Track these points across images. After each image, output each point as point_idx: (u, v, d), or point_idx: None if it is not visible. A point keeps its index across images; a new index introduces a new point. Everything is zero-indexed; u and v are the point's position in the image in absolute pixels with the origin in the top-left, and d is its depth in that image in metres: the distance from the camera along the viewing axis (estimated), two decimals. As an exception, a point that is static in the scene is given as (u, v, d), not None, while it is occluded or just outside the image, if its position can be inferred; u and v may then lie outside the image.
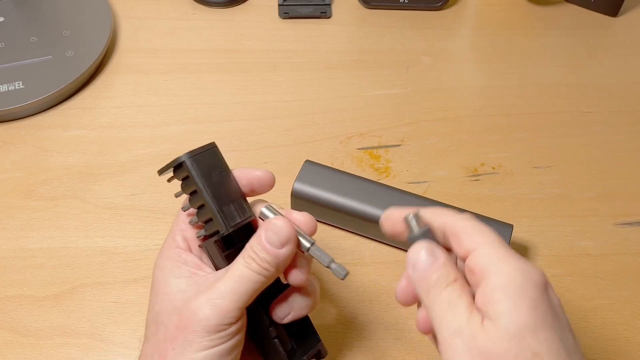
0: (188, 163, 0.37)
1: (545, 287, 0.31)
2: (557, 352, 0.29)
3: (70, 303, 0.49)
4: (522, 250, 0.53)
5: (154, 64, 0.66)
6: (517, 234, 0.53)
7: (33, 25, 0.65)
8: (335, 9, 0.72)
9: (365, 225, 0.51)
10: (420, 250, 0.34)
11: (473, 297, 0.32)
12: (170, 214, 0.54)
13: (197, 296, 0.36)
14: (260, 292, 0.36)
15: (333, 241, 0.53)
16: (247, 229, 0.39)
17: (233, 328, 0.35)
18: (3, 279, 0.50)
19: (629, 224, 0.55)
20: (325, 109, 0.63)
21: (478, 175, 0.58)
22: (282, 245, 0.36)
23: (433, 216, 0.35)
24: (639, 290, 0.51)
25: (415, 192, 0.52)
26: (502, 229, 0.49)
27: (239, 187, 0.39)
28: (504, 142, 0.60)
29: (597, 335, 0.48)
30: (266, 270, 0.36)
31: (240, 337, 0.36)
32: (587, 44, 0.70)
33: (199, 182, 0.37)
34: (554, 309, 0.31)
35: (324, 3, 0.71)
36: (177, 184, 0.40)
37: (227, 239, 0.38)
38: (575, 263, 0.52)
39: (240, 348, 0.37)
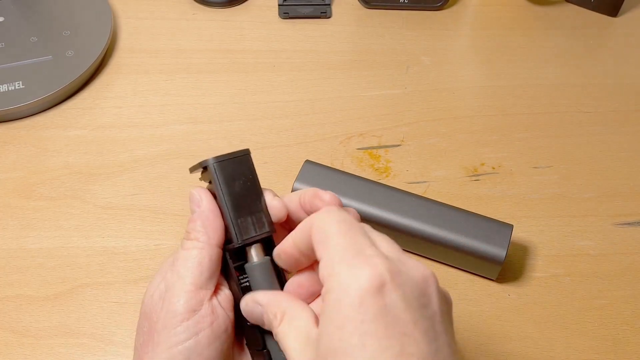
0: (211, 168, 0.36)
1: (376, 290, 0.28)
2: None
3: (70, 303, 0.49)
4: (521, 250, 0.53)
5: (154, 64, 0.66)
6: (517, 234, 0.53)
7: (33, 25, 0.65)
8: (335, 9, 0.72)
9: (365, 225, 0.51)
10: (245, 310, 0.35)
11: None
12: (170, 214, 0.54)
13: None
14: (214, 263, 0.35)
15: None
16: (268, 244, 0.37)
17: (197, 317, 0.34)
18: (3, 279, 0.50)
19: (629, 223, 0.55)
20: (325, 109, 0.63)
21: (478, 175, 0.58)
22: (198, 205, 0.36)
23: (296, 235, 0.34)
24: (638, 290, 0.51)
25: (415, 192, 0.52)
26: (502, 229, 0.49)
27: (264, 201, 0.37)
28: (504, 142, 0.60)
29: (597, 335, 0.48)
30: (195, 239, 0.35)
31: (213, 331, 0.34)
32: (587, 44, 0.70)
33: (219, 189, 0.36)
34: (382, 317, 0.28)
35: (323, 3, 0.71)
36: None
37: (243, 250, 0.37)
38: (575, 263, 0.52)
39: (220, 347, 0.35)
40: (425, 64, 0.67)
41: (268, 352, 0.36)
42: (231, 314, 0.36)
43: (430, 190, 0.56)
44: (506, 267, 0.51)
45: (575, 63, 0.68)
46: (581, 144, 0.61)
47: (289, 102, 0.63)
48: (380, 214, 0.50)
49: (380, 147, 0.59)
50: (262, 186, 0.37)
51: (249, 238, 0.36)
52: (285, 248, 0.35)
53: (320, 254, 0.31)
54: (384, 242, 0.33)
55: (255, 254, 0.36)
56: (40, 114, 0.61)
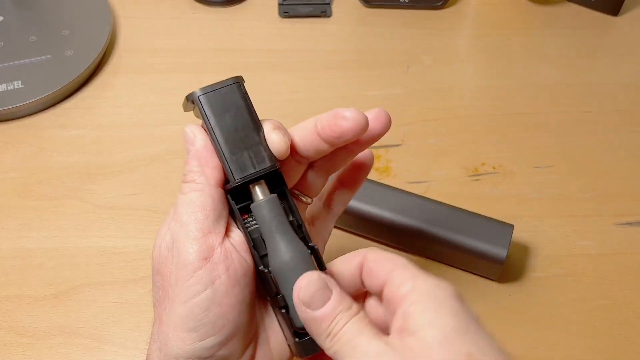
0: (197, 99, 0.33)
1: (461, 298, 0.30)
2: (488, 350, 0.28)
3: (69, 303, 0.49)
4: (522, 250, 0.53)
5: (154, 63, 0.65)
6: (518, 234, 0.53)
7: (32, 25, 0.65)
8: (335, 8, 0.72)
9: (365, 225, 0.51)
10: (311, 284, 0.30)
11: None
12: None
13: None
14: (218, 204, 0.32)
15: (333, 241, 0.52)
16: (276, 180, 0.34)
17: (210, 264, 0.31)
18: (2, 279, 0.50)
19: (630, 223, 0.55)
20: (325, 109, 0.62)
21: (478, 175, 0.58)
22: (192, 143, 0.33)
23: (344, 263, 0.33)
24: (639, 290, 0.51)
25: (415, 192, 0.52)
26: (503, 229, 0.49)
27: (262, 132, 0.33)
28: (505, 141, 0.60)
29: (598, 335, 0.48)
30: (192, 180, 0.33)
31: (229, 277, 0.31)
32: (588, 44, 0.70)
33: (208, 124, 0.32)
34: (474, 318, 0.29)
35: (323, 2, 0.71)
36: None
37: (247, 189, 0.33)
38: (576, 263, 0.52)
39: (240, 293, 0.32)
40: (426, 64, 0.67)
41: (283, 297, 0.32)
42: (248, 256, 0.33)
43: (431, 190, 0.56)
44: (507, 267, 0.51)
45: (575, 63, 0.68)
46: (582, 143, 0.61)
47: (289, 101, 0.63)
48: (380, 213, 0.50)
49: (380, 146, 0.59)
50: (262, 118, 0.33)
51: (246, 176, 0.32)
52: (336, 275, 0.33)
53: (388, 271, 0.31)
54: None
55: (259, 191, 0.33)
56: (39, 113, 0.61)
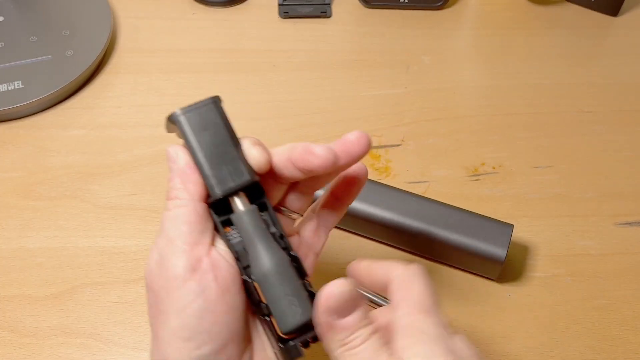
0: (177, 119, 0.34)
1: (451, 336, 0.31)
2: None
3: (69, 303, 0.49)
4: (522, 250, 0.53)
5: (154, 63, 0.65)
6: (518, 234, 0.53)
7: (33, 25, 0.65)
8: (335, 8, 0.72)
9: (365, 225, 0.51)
10: (345, 293, 0.30)
11: None
12: (170, 214, 0.54)
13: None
14: (202, 217, 0.33)
15: (333, 241, 0.52)
16: (256, 192, 0.35)
17: (198, 275, 0.32)
18: (3, 278, 0.50)
19: (630, 223, 0.55)
20: (325, 109, 0.62)
21: (478, 175, 0.58)
22: (174, 162, 0.34)
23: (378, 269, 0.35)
24: (639, 290, 0.51)
25: (415, 192, 0.52)
26: (502, 229, 0.49)
27: (240, 148, 0.35)
28: (504, 142, 0.60)
29: (598, 335, 0.48)
30: (175, 197, 0.33)
31: (219, 285, 0.32)
32: (588, 44, 0.70)
33: (188, 142, 0.34)
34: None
35: (324, 2, 0.71)
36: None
37: (228, 203, 0.35)
38: (576, 263, 0.52)
39: (232, 300, 0.33)
40: (426, 64, 0.67)
41: (266, 305, 0.33)
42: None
43: (431, 190, 0.56)
44: (506, 267, 0.51)
45: (575, 63, 0.68)
46: (582, 143, 0.61)
47: (289, 102, 0.63)
48: (380, 214, 0.50)
49: (380, 147, 0.59)
50: (241, 134, 0.35)
51: (226, 189, 0.33)
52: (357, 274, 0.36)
53: (399, 300, 0.32)
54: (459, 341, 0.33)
55: (239, 202, 0.34)
56: (39, 113, 0.61)
